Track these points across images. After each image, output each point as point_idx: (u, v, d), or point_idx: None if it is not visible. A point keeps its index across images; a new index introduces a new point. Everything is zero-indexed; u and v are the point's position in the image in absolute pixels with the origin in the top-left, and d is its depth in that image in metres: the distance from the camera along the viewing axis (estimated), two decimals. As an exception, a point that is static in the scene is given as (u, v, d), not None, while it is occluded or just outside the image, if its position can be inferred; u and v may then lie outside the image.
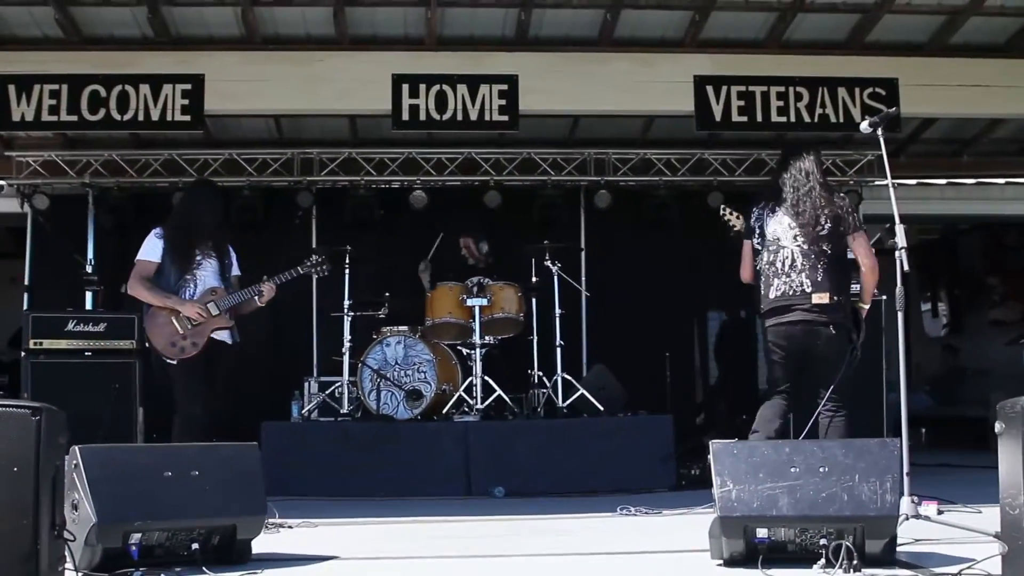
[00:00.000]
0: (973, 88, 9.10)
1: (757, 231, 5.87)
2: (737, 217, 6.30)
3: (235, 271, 6.91)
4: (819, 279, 5.57)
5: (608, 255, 10.69)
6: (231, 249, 6.96)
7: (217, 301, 6.60)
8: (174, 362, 6.48)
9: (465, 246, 9.48)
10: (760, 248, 5.84)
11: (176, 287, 6.59)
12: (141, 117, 8.54)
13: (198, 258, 6.69)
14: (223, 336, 6.68)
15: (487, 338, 8.67)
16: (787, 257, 5.66)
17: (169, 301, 6.52)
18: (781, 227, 5.75)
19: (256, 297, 6.73)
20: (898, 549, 4.24)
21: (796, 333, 5.62)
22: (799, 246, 5.65)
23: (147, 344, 6.68)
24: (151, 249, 6.65)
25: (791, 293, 5.62)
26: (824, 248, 5.64)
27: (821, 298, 5.55)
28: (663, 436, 8.27)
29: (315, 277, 7.18)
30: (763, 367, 10.63)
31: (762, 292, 5.81)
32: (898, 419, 4.99)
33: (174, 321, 6.51)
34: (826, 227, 5.66)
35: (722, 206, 6.52)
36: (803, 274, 5.60)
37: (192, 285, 6.63)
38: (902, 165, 10.96)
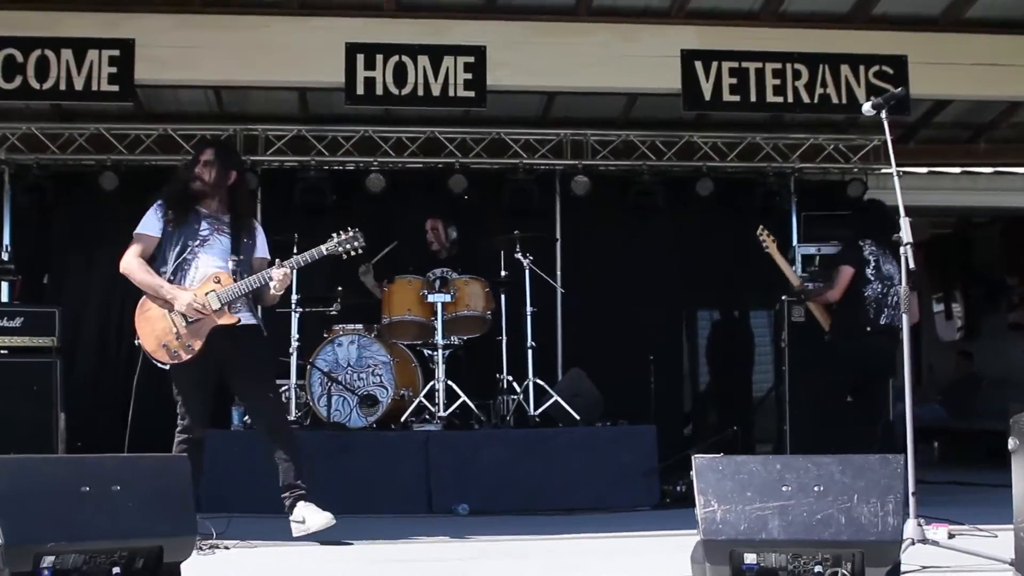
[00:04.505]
0: (991, 67, 9.14)
1: (872, 263, 7.88)
2: (772, 240, 8.23)
3: (260, 253, 6.25)
4: (906, 320, 7.53)
5: (586, 247, 10.72)
6: (258, 225, 6.37)
7: (219, 292, 5.91)
8: (166, 367, 5.93)
9: (432, 228, 9.47)
10: (873, 278, 7.86)
11: (173, 271, 5.96)
12: (63, 86, 8.40)
13: (203, 233, 6.04)
14: (246, 319, 6.09)
15: (451, 338, 8.66)
16: (895, 295, 7.71)
17: (162, 290, 5.87)
18: (895, 269, 7.62)
19: (268, 283, 5.99)
20: (902, 578, 4.25)
21: (888, 353, 7.90)
22: (904, 290, 7.51)
23: (136, 341, 6.03)
24: (150, 221, 6.01)
25: (893, 325, 7.75)
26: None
27: (902, 335, 7.55)
28: (645, 448, 8.28)
29: (344, 258, 6.43)
30: (759, 372, 10.79)
31: (871, 316, 7.85)
32: (905, 432, 5.00)
33: (169, 316, 5.88)
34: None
35: (760, 227, 8.29)
36: (902, 311, 7.44)
37: (192, 268, 5.97)
38: (911, 152, 11.01)
